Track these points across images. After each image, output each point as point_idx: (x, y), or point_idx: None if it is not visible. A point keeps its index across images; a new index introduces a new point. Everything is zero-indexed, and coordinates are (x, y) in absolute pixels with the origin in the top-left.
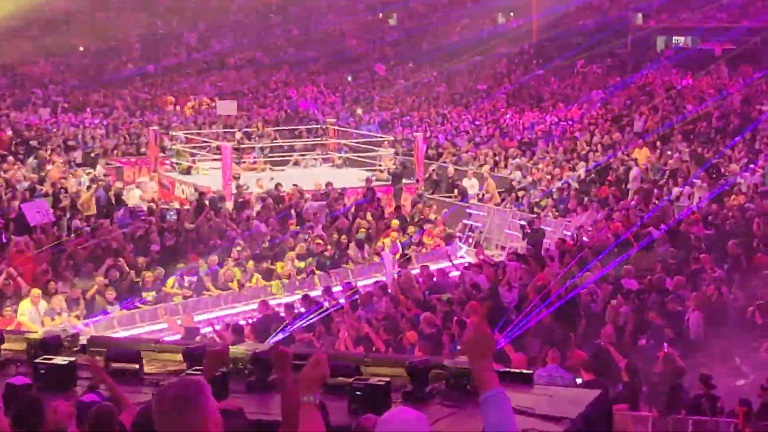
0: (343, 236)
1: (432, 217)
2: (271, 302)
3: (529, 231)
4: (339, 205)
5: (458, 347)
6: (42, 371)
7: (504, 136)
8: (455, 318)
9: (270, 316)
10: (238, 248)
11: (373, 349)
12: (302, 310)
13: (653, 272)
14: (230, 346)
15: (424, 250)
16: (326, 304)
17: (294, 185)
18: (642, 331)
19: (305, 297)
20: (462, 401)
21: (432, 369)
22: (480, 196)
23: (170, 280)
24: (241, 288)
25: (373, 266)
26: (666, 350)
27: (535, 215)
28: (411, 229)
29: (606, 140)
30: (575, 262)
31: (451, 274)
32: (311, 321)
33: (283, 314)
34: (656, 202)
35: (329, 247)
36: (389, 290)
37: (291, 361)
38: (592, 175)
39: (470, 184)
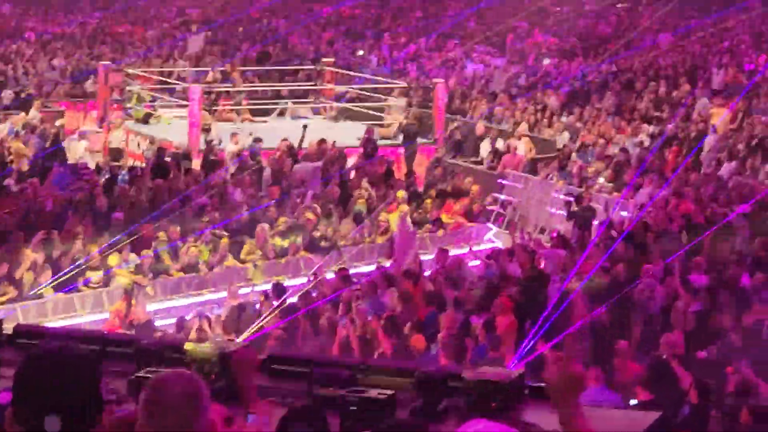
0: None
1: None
2: (244, 290)
3: (576, 209)
4: (336, 168)
5: (486, 355)
6: None
7: (548, 86)
8: (483, 317)
9: (242, 306)
10: (206, 219)
11: (378, 353)
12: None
13: (728, 266)
14: (192, 345)
15: (441, 231)
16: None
17: (283, 140)
18: (709, 340)
19: (276, 285)
20: None
21: (448, 380)
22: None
23: (113, 258)
24: (210, 270)
25: (375, 248)
26: (741, 365)
27: (584, 189)
28: (427, 202)
29: (676, 97)
30: (633, 250)
31: (471, 263)
32: (294, 314)
33: (258, 305)
34: (737, 177)
35: (321, 221)
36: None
37: (254, 367)
38: (658, 141)
39: (504, 147)
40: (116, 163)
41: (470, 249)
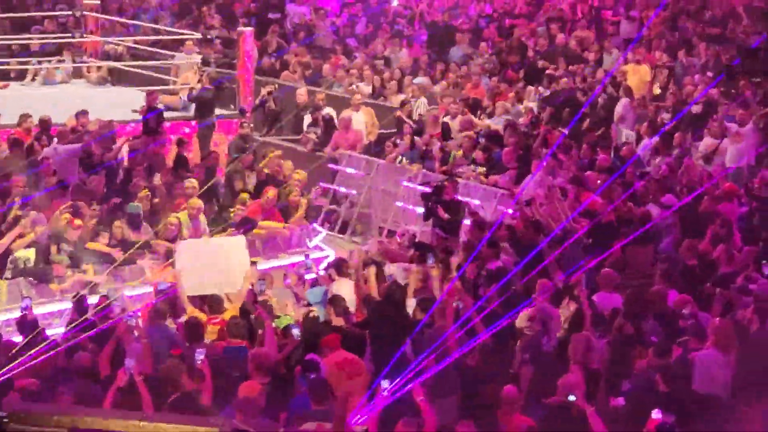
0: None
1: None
2: None
3: (436, 203)
4: (107, 153)
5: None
6: None
7: (396, 34)
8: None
9: None
10: None
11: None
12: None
13: (649, 280)
14: None
15: (249, 234)
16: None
17: (23, 116)
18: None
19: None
20: None
21: None
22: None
23: None
24: None
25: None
26: (658, 416)
27: (448, 177)
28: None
29: (574, 47)
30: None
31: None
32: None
33: None
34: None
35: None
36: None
37: None
38: (550, 108)
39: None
40: None
41: (306, 257)
